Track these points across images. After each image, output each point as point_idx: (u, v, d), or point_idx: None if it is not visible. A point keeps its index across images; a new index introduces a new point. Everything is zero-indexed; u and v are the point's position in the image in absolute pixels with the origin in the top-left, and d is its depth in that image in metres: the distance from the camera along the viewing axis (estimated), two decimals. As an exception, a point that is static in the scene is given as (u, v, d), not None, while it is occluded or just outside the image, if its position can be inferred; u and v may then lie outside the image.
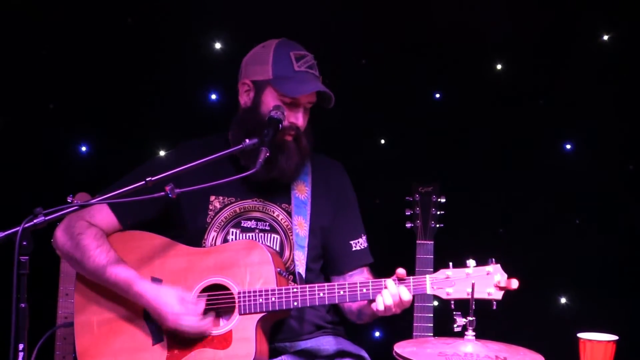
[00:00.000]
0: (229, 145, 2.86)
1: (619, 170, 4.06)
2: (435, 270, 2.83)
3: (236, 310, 2.86)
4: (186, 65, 4.08)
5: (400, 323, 3.26)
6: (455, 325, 2.64)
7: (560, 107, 4.06)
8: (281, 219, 3.05)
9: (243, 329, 2.84)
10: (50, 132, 4.05)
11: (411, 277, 2.79)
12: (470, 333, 2.64)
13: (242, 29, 4.01)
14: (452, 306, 2.69)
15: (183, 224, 3.03)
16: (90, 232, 2.95)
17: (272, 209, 3.05)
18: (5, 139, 4.01)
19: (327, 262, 3.14)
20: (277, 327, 2.99)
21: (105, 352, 2.91)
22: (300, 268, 2.99)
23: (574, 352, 2.93)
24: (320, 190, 3.10)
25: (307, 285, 2.85)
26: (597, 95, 4.02)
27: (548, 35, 4.02)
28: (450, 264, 2.76)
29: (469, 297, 2.68)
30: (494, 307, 2.71)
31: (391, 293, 2.76)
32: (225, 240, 3.01)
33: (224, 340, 2.85)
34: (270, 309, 2.83)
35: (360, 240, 3.12)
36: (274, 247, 3.02)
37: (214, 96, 4.17)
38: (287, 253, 3.03)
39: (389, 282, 2.78)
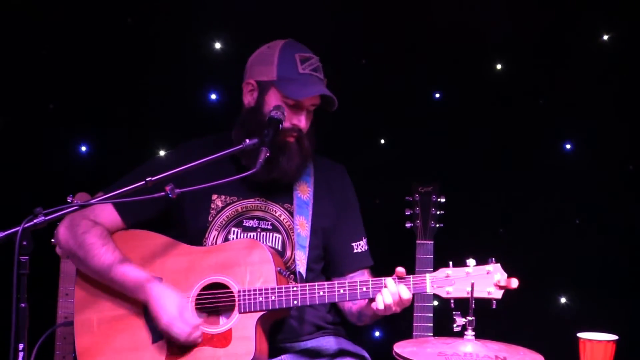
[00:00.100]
0: (231, 145, 2.86)
1: (619, 170, 4.06)
2: (435, 269, 2.83)
3: (236, 308, 2.86)
4: (186, 65, 4.08)
5: (400, 323, 3.26)
6: (454, 325, 2.64)
7: (560, 107, 4.06)
8: (283, 219, 3.05)
9: (243, 328, 2.84)
10: (50, 132, 4.05)
11: (411, 276, 2.79)
12: (469, 333, 2.64)
13: (242, 29, 4.01)
14: (452, 305, 2.70)
15: (185, 223, 3.03)
16: (95, 231, 2.95)
17: (274, 209, 3.05)
18: (5, 139, 4.01)
19: (327, 263, 3.14)
20: (278, 327, 3.00)
21: (105, 350, 2.91)
22: (301, 268, 3.00)
23: (574, 352, 2.93)
24: (323, 191, 3.10)
25: (307, 284, 2.85)
26: (597, 95, 4.02)
27: (548, 35, 4.02)
28: (450, 263, 2.77)
29: (469, 296, 2.68)
30: (494, 307, 2.71)
31: (391, 292, 2.76)
32: (226, 240, 3.01)
33: (224, 339, 2.85)
34: (270, 307, 2.84)
35: (361, 242, 3.12)
36: (276, 247, 3.03)
37: (213, 96, 4.17)
38: (288, 252, 3.04)
39: (389, 280, 2.78)
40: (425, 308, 3.22)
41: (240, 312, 2.86)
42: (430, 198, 3.34)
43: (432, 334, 3.21)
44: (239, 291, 2.87)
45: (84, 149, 4.15)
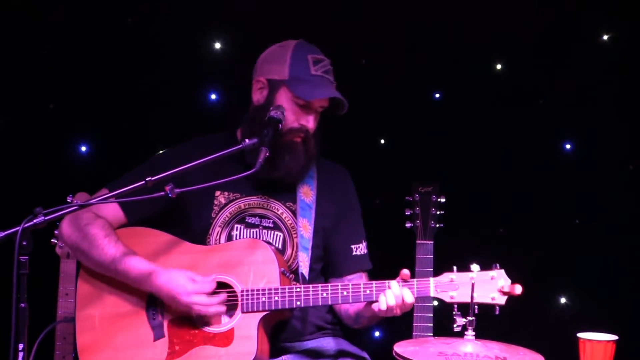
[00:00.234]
0: (235, 143, 2.86)
1: (619, 170, 4.06)
2: (435, 269, 2.83)
3: (239, 308, 2.86)
4: (186, 65, 4.08)
5: (400, 323, 3.26)
6: (455, 325, 2.64)
7: (560, 107, 4.06)
8: (285, 217, 3.05)
9: (245, 327, 2.84)
10: (50, 132, 4.05)
11: (415, 280, 2.79)
12: (470, 333, 2.64)
13: (242, 29, 4.02)
14: (456, 309, 2.69)
15: (189, 219, 3.03)
16: (98, 222, 2.95)
17: (276, 207, 3.06)
18: (5, 139, 4.01)
19: (326, 264, 3.14)
20: (279, 328, 2.99)
21: (106, 347, 2.91)
22: (304, 269, 3.00)
23: (574, 352, 2.93)
24: (325, 193, 3.11)
25: (311, 285, 2.85)
26: (597, 95, 4.02)
27: (548, 35, 4.02)
28: (455, 267, 2.76)
29: (472, 301, 2.68)
30: (497, 312, 2.71)
31: (395, 294, 2.75)
32: (229, 236, 3.01)
33: (226, 338, 2.85)
34: (273, 307, 2.84)
35: (360, 245, 3.12)
36: (277, 245, 3.03)
37: (213, 96, 4.17)
38: (289, 251, 3.04)
39: (393, 283, 2.77)
40: (425, 308, 3.22)
41: (243, 312, 2.86)
42: (430, 198, 3.34)
43: (432, 334, 3.21)
44: (242, 291, 2.87)
45: (84, 149, 4.15)
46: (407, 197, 3.36)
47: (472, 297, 2.67)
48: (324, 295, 2.82)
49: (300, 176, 3.05)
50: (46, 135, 4.05)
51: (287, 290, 2.84)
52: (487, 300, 2.70)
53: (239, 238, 3.02)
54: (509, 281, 2.72)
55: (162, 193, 2.57)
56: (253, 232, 3.03)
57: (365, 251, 3.13)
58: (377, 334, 4.19)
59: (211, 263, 2.92)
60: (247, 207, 3.04)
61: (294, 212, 3.05)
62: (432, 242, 3.29)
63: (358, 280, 3.07)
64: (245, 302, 2.86)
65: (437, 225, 3.32)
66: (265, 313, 2.85)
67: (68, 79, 4.02)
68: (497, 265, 2.73)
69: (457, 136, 4.09)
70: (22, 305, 2.33)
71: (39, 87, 4.02)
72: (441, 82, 4.15)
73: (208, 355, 2.85)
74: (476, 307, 2.68)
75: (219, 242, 3.01)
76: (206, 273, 2.89)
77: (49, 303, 3.38)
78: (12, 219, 2.40)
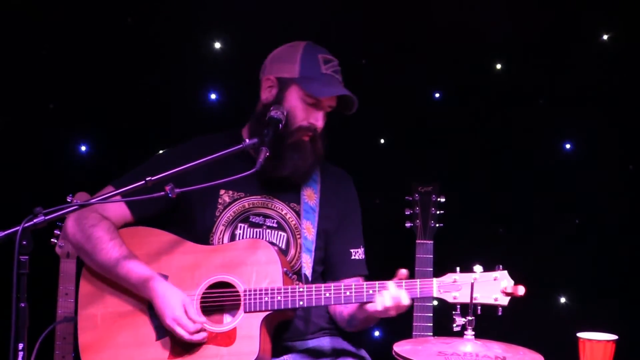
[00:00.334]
0: (240, 141, 2.85)
1: (619, 170, 4.06)
2: (435, 269, 2.83)
3: (241, 307, 2.86)
4: (186, 65, 4.08)
5: (399, 323, 3.26)
6: (454, 325, 2.64)
7: (560, 107, 4.06)
8: (289, 218, 3.05)
9: (248, 327, 2.84)
10: (50, 132, 4.05)
11: (418, 280, 2.78)
12: (469, 333, 2.64)
13: (242, 29, 4.02)
14: (458, 310, 2.69)
15: (193, 218, 3.03)
16: (103, 224, 2.95)
17: (280, 207, 3.06)
18: (5, 139, 4.01)
19: (324, 267, 3.14)
20: (281, 327, 2.99)
21: (108, 346, 2.91)
22: (307, 270, 3.01)
23: (574, 352, 2.93)
24: (328, 198, 3.11)
25: (314, 285, 2.85)
26: (597, 95, 4.02)
27: (548, 35, 4.02)
28: (458, 268, 2.75)
29: (476, 301, 2.68)
30: (500, 313, 2.71)
31: (392, 295, 2.75)
32: (233, 235, 3.02)
33: (228, 338, 2.85)
34: (276, 307, 2.84)
35: (359, 250, 3.12)
36: (280, 245, 3.03)
37: (213, 96, 4.17)
38: (292, 251, 3.04)
39: (390, 284, 2.77)
40: (425, 308, 3.22)
41: (245, 312, 2.86)
42: (430, 198, 3.34)
43: (431, 334, 3.21)
44: (245, 290, 2.87)
45: (84, 149, 4.15)
46: (407, 197, 3.37)
47: (471, 297, 2.67)
48: (327, 295, 2.82)
49: (306, 175, 3.06)
50: (46, 135, 4.05)
51: (289, 290, 2.84)
52: (489, 301, 2.70)
53: (243, 237, 3.02)
54: (512, 282, 2.71)
55: (162, 193, 2.57)
56: (257, 231, 3.03)
57: (363, 257, 3.13)
58: (376, 333, 4.19)
59: (214, 263, 2.92)
60: (251, 206, 3.04)
61: (297, 214, 3.05)
62: (432, 241, 3.30)
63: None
64: (247, 301, 2.86)
65: (437, 225, 3.32)
66: (267, 313, 2.85)
67: (68, 79, 4.02)
68: (500, 266, 2.73)
69: (457, 136, 4.09)
70: (22, 305, 2.33)
71: (39, 87, 4.02)
72: (441, 82, 4.15)
73: (210, 355, 2.85)
74: (479, 307, 2.68)
75: (223, 241, 3.01)
76: (209, 273, 2.90)
77: (49, 303, 3.38)
78: (12, 218, 2.40)
